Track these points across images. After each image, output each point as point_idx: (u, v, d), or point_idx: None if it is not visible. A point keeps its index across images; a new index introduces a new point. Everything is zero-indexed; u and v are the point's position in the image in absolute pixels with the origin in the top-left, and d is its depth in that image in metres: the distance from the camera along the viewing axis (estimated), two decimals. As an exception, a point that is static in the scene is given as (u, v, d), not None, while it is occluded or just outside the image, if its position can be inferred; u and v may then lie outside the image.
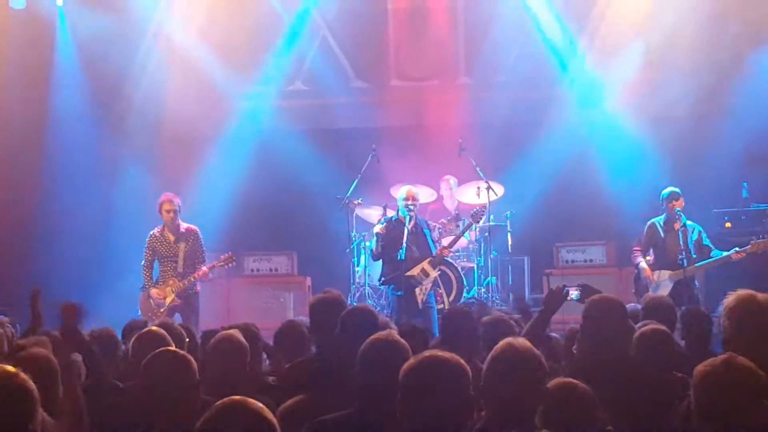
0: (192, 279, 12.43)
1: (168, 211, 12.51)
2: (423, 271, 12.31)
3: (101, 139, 15.23)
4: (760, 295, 5.29)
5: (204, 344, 7.06)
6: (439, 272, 12.47)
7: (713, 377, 4.19)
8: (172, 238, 12.60)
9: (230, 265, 12.82)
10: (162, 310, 12.36)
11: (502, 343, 4.60)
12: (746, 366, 4.20)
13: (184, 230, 12.64)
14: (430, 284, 12.36)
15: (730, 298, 5.33)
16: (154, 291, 12.50)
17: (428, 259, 12.34)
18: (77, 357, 5.95)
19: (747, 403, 4.11)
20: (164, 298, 12.43)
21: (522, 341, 4.63)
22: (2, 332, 7.40)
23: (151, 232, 12.68)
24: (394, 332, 5.16)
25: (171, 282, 12.49)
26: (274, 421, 3.52)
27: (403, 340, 4.95)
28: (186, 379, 5.00)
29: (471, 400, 4.26)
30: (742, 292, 5.35)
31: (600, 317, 5.88)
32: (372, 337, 4.96)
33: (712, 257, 12.07)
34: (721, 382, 4.17)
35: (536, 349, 4.62)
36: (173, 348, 5.40)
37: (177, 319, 11.33)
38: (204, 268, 12.49)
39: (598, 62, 15.49)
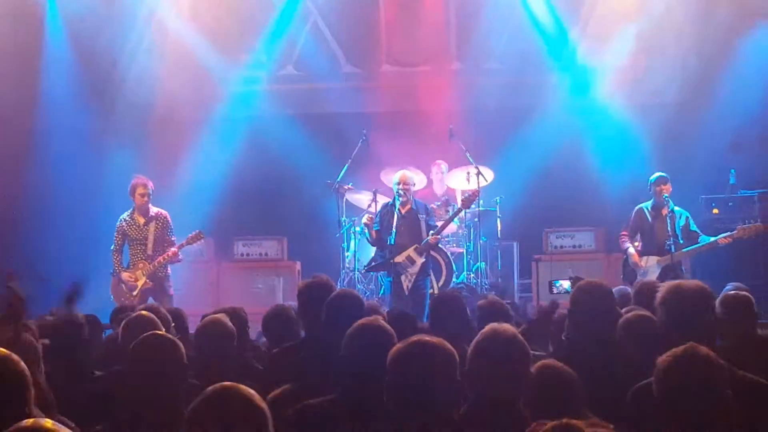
0: (161, 260, 12.44)
1: (142, 195, 12.51)
2: (409, 258, 12.29)
3: (91, 121, 15.19)
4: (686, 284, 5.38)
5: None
6: (424, 259, 12.42)
7: (674, 367, 4.20)
8: (141, 221, 12.59)
9: (199, 242, 12.77)
10: (135, 293, 12.37)
11: (486, 328, 4.63)
12: (707, 356, 4.20)
13: (153, 214, 12.63)
14: (417, 271, 12.31)
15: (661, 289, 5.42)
16: (125, 275, 12.48)
17: (414, 246, 12.34)
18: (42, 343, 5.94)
19: (708, 393, 4.13)
20: (135, 281, 12.44)
21: (506, 327, 4.66)
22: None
23: (121, 216, 12.69)
24: (379, 318, 5.18)
25: (141, 265, 12.49)
26: (265, 407, 3.52)
27: (388, 326, 4.97)
28: (173, 363, 5.01)
29: (458, 384, 4.30)
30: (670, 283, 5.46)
31: (587, 302, 5.91)
32: (358, 322, 4.99)
33: (699, 243, 12.11)
34: (682, 372, 4.18)
35: (521, 336, 4.66)
36: (161, 332, 5.41)
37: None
38: (173, 249, 12.48)
39: (589, 49, 15.50)
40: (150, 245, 12.53)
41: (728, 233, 12.03)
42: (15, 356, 3.99)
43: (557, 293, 11.53)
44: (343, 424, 4.64)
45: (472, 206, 13.34)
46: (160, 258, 12.44)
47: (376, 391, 4.38)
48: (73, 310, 6.55)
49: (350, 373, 4.83)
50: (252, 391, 3.56)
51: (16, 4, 14.94)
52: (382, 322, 5.03)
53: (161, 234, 12.60)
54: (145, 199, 12.53)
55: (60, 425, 3.09)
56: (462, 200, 13.02)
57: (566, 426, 3.44)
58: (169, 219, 12.71)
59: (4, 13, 14.79)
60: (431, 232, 12.34)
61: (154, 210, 12.66)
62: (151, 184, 12.59)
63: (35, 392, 4.60)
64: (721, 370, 4.19)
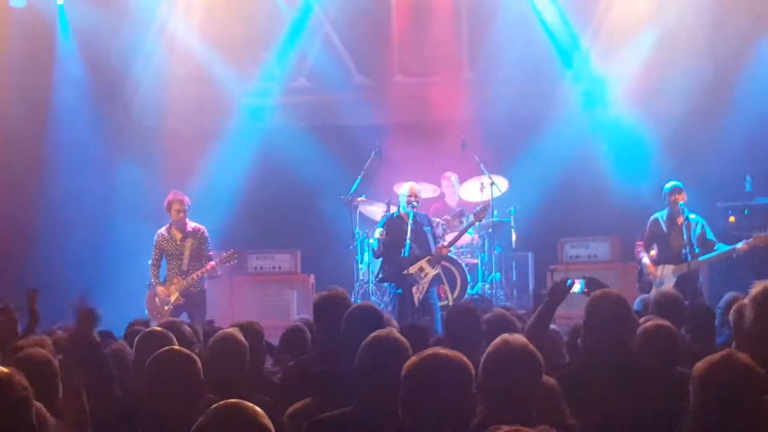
0: (195, 277, 12.43)
1: (178, 211, 12.54)
2: (421, 269, 12.25)
3: (102, 134, 15.25)
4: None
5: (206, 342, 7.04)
6: (437, 270, 12.38)
7: (712, 374, 4.19)
8: (179, 236, 12.62)
9: (232, 262, 12.81)
10: (167, 308, 12.37)
11: (498, 339, 4.59)
12: (745, 362, 4.19)
13: (191, 229, 12.66)
14: (428, 283, 12.27)
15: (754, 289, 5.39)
16: (160, 289, 12.53)
17: (427, 258, 12.29)
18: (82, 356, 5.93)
19: (746, 399, 4.10)
20: (169, 296, 12.44)
21: (518, 338, 4.62)
22: (14, 316, 7.39)
23: (159, 231, 12.72)
24: (394, 330, 5.14)
25: (175, 280, 12.52)
26: (270, 424, 3.49)
27: (403, 338, 4.93)
28: (190, 379, 4.98)
29: (473, 397, 4.25)
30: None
31: (603, 312, 5.86)
32: (372, 335, 4.95)
33: (716, 251, 12.04)
34: (720, 379, 4.16)
35: (533, 345, 4.61)
36: (177, 347, 5.37)
37: (184, 318, 11.35)
38: (211, 263, 12.50)
39: (602, 57, 15.45)
40: (186, 261, 12.55)
41: (745, 241, 11.95)
42: (17, 375, 3.98)
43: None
44: None
45: (483, 219, 13.31)
46: (195, 274, 12.44)
47: (391, 404, 4.32)
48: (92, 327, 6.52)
49: (364, 386, 4.78)
50: (257, 409, 3.52)
51: (28, 17, 14.96)
52: (397, 334, 4.98)
53: (198, 249, 12.62)
54: (182, 215, 12.56)
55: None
56: (474, 213, 12.92)
57: None
58: (207, 234, 12.75)
59: (15, 27, 14.83)
60: (444, 244, 12.30)
61: (191, 225, 12.69)
62: (187, 200, 12.62)
63: (70, 407, 4.61)
64: (759, 377, 4.16)
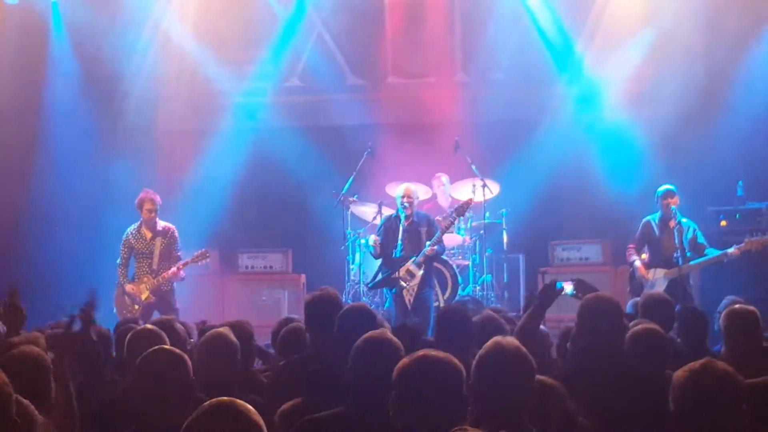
0: (165, 277, 12.41)
1: (149, 211, 12.50)
2: (408, 271, 12.21)
3: (95, 132, 15.21)
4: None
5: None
6: (423, 272, 12.30)
7: (691, 382, 4.19)
8: (149, 234, 12.59)
9: (204, 261, 12.72)
10: (137, 307, 12.35)
11: (489, 342, 4.59)
12: (725, 371, 4.19)
13: (161, 228, 12.62)
14: (417, 284, 12.22)
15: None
16: (129, 287, 12.50)
17: (412, 259, 12.27)
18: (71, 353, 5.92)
19: (725, 408, 4.11)
20: (139, 295, 12.42)
21: (510, 340, 4.63)
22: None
23: (128, 230, 12.68)
24: (387, 330, 5.14)
25: (145, 279, 12.49)
26: (261, 422, 3.50)
27: (396, 339, 4.94)
28: (180, 378, 4.96)
29: (464, 399, 4.26)
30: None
31: (595, 316, 5.88)
32: (365, 335, 4.96)
33: (706, 255, 12.05)
34: (699, 387, 4.16)
35: (524, 347, 4.61)
36: (167, 346, 5.36)
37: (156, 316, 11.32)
38: (173, 269, 12.44)
39: (596, 60, 15.45)
40: (156, 260, 12.51)
41: (737, 246, 11.97)
42: None
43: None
44: None
45: (472, 219, 13.32)
46: (164, 274, 12.40)
47: (384, 404, 4.34)
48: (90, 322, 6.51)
49: (358, 386, 4.79)
50: (249, 406, 3.53)
51: (22, 14, 14.92)
52: (390, 334, 4.99)
53: (168, 249, 12.58)
54: (153, 214, 12.52)
55: None
56: (455, 208, 12.79)
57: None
58: (176, 234, 12.70)
59: (9, 23, 14.80)
60: (428, 243, 12.25)
61: (161, 224, 12.64)
62: (158, 199, 12.56)
63: (61, 404, 4.60)
64: (739, 385, 4.16)
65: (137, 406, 4.97)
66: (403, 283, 12.16)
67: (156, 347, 5.23)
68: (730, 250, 11.92)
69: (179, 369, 4.98)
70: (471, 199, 12.99)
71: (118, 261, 12.65)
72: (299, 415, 5.09)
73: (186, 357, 5.09)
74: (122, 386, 6.31)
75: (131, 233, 12.62)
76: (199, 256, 12.54)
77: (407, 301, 12.12)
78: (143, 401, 4.92)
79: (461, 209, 12.64)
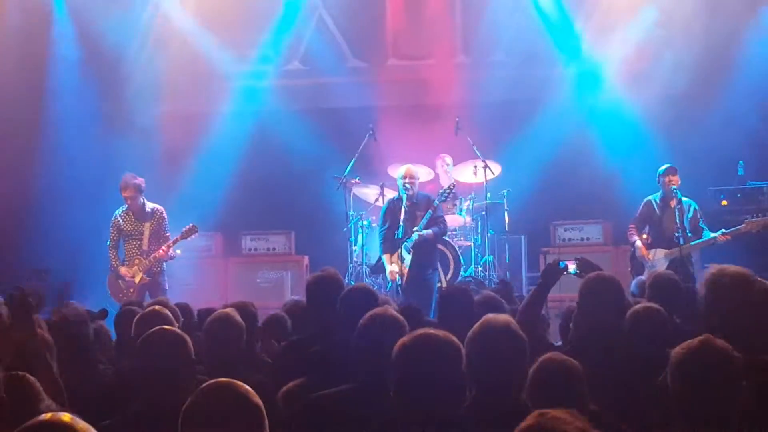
0: (156, 257, 12.42)
1: (131, 198, 12.46)
2: (399, 255, 12.20)
3: (98, 116, 15.22)
4: (730, 268, 5.38)
5: (201, 323, 7.06)
6: (412, 255, 12.26)
7: (689, 359, 4.21)
8: (137, 216, 12.57)
9: (193, 236, 12.59)
10: (131, 290, 12.37)
11: (480, 321, 4.62)
12: (722, 348, 4.21)
13: (149, 210, 12.61)
14: (409, 267, 12.18)
15: (706, 272, 5.44)
16: (123, 270, 12.48)
17: (404, 245, 12.19)
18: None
19: (723, 385, 4.14)
20: (133, 277, 12.45)
21: (501, 318, 4.65)
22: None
23: (116, 212, 12.66)
24: (389, 308, 5.17)
25: (137, 261, 12.48)
26: (260, 403, 3.53)
27: (400, 316, 4.98)
28: (182, 358, 5.00)
29: (463, 378, 4.29)
30: (715, 266, 5.46)
31: (597, 295, 5.90)
32: (369, 312, 4.99)
33: (702, 237, 12.08)
34: (697, 364, 4.18)
35: (525, 326, 4.65)
36: (169, 327, 5.39)
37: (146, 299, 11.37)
38: (162, 248, 12.44)
39: (596, 41, 15.43)
40: (145, 240, 12.50)
41: (732, 229, 11.99)
42: None
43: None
44: (356, 414, 4.65)
45: (473, 200, 13.39)
46: (155, 254, 12.42)
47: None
48: (66, 306, 6.55)
49: (363, 363, 4.83)
50: (248, 388, 3.56)
51: (25, 2, 14.93)
52: (393, 311, 5.03)
53: (157, 230, 12.58)
54: (136, 199, 12.48)
55: (77, 419, 3.12)
56: (438, 194, 12.73)
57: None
58: (165, 214, 12.68)
59: (12, 7, 14.81)
60: (415, 228, 12.20)
61: (149, 206, 12.63)
62: (137, 182, 12.48)
63: (49, 387, 4.62)
64: (737, 362, 4.19)
65: (139, 385, 5.03)
66: (393, 267, 12.15)
67: (157, 327, 5.26)
68: (718, 235, 11.94)
69: (180, 349, 5.03)
70: (454, 184, 12.93)
71: (108, 243, 12.63)
72: (302, 395, 5.13)
73: (186, 337, 5.13)
74: (118, 372, 6.35)
75: (120, 215, 12.60)
76: (188, 231, 12.45)
77: (397, 285, 12.09)
78: (144, 381, 4.98)
79: (445, 194, 12.57)
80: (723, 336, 4.34)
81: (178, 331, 5.27)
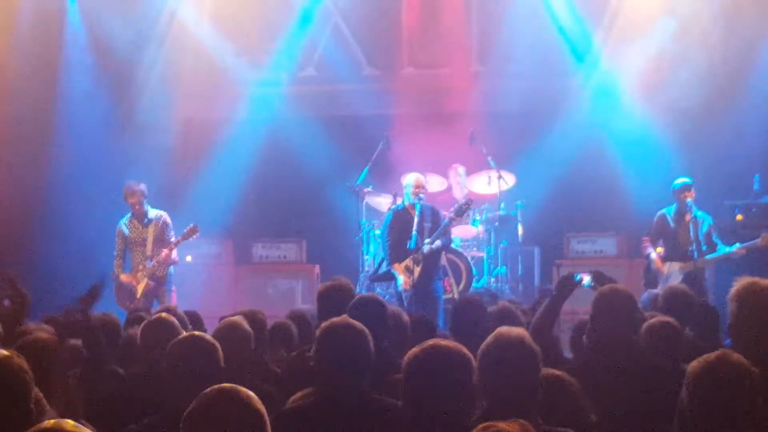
0: (158, 261, 12.43)
1: (135, 204, 12.59)
2: (407, 267, 12.07)
3: (111, 121, 15.21)
4: (763, 281, 5.31)
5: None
6: (421, 268, 12.11)
7: (706, 373, 4.17)
8: (141, 223, 12.64)
9: (194, 236, 12.62)
10: (138, 296, 12.40)
11: (493, 333, 4.56)
12: (740, 363, 4.18)
13: (153, 216, 12.68)
14: (415, 279, 12.03)
15: (736, 285, 5.36)
16: (123, 277, 12.58)
17: (411, 256, 12.05)
18: (74, 342, 5.92)
19: (740, 400, 4.09)
20: (137, 284, 12.44)
21: (515, 330, 4.59)
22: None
23: (120, 221, 12.79)
24: (346, 317, 5.12)
25: (141, 267, 12.53)
26: (263, 410, 3.50)
27: (359, 324, 4.96)
28: (212, 365, 5.03)
29: (473, 390, 4.24)
30: (746, 279, 5.38)
31: (611, 308, 5.85)
32: (328, 321, 4.98)
33: (717, 252, 12.01)
34: (714, 378, 4.14)
35: (540, 339, 4.60)
36: (200, 333, 5.36)
37: (155, 304, 11.38)
38: (165, 251, 12.47)
39: (613, 52, 15.38)
40: (149, 247, 12.57)
41: (749, 243, 11.92)
42: (17, 358, 3.96)
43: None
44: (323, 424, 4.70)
45: (487, 210, 13.33)
46: (158, 258, 12.43)
47: (351, 389, 4.60)
48: (89, 310, 6.51)
49: (323, 372, 4.88)
50: (251, 394, 3.53)
51: (37, 4, 14.93)
52: (351, 320, 4.98)
53: (161, 236, 12.63)
54: (137, 207, 12.59)
55: (80, 426, 3.07)
56: (454, 210, 12.48)
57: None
58: (168, 220, 12.74)
59: (24, 13, 14.80)
60: (426, 240, 12.11)
61: (153, 212, 12.69)
62: (140, 189, 12.58)
63: (60, 393, 4.60)
64: (755, 377, 4.13)
65: (166, 391, 5.02)
66: (402, 277, 12.04)
67: (190, 333, 5.30)
68: (735, 249, 11.88)
69: (211, 355, 5.05)
70: (471, 200, 12.83)
71: (114, 253, 12.76)
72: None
73: (217, 344, 5.12)
74: (127, 378, 6.31)
75: (124, 223, 12.73)
76: (189, 231, 12.50)
77: (404, 297, 11.99)
78: (172, 387, 4.97)
79: (460, 212, 12.46)
80: (755, 353, 4.29)
81: (210, 338, 5.23)
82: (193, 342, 5.10)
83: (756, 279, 5.44)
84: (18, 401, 3.87)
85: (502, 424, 3.03)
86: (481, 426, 3.05)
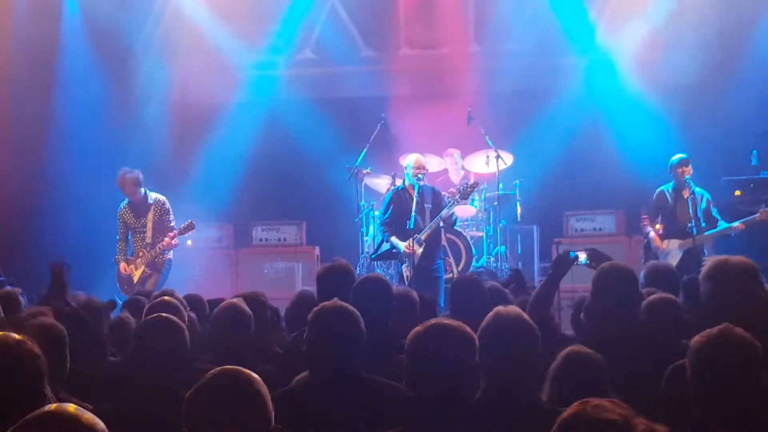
0: (161, 248, 12.46)
1: (132, 194, 12.64)
2: (408, 248, 12.07)
3: (108, 107, 15.19)
4: (733, 258, 5.36)
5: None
6: (423, 248, 12.12)
7: (709, 348, 4.18)
8: (139, 209, 12.66)
9: (190, 232, 12.69)
10: (135, 282, 12.43)
11: (490, 313, 4.58)
12: (742, 337, 4.19)
13: (151, 201, 12.67)
14: (417, 260, 12.02)
15: (706, 264, 5.42)
16: (122, 265, 12.64)
17: (415, 237, 11.97)
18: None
19: (743, 374, 4.10)
20: (134, 271, 12.49)
21: (512, 309, 4.62)
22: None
23: (120, 205, 12.80)
24: (337, 299, 5.13)
25: (141, 253, 12.59)
26: (265, 391, 3.50)
27: (350, 307, 4.99)
28: (176, 347, 5.10)
29: (475, 368, 4.26)
30: (716, 257, 5.45)
31: (612, 284, 5.87)
32: (319, 305, 5.02)
33: (717, 228, 12.02)
34: (718, 353, 4.15)
35: (537, 317, 4.62)
36: (165, 315, 5.39)
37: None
38: (165, 239, 12.48)
39: (608, 30, 15.36)
40: (149, 233, 12.59)
41: (747, 218, 11.94)
42: (30, 342, 3.98)
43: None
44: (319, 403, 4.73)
45: (485, 190, 13.32)
46: (159, 246, 12.45)
47: (343, 370, 4.68)
48: (62, 292, 6.57)
49: (314, 353, 4.92)
50: (253, 375, 3.55)
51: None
52: (342, 302, 5.00)
53: (160, 221, 12.63)
54: (136, 194, 12.61)
55: (82, 409, 3.09)
56: (459, 191, 12.52)
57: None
58: (167, 205, 12.74)
59: (22, 4, 14.78)
60: (430, 224, 12.07)
61: (151, 197, 12.71)
62: (133, 175, 12.58)
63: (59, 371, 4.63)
64: (756, 351, 4.15)
65: (136, 370, 5.09)
66: (405, 258, 12.03)
67: (153, 315, 5.36)
68: (735, 225, 11.91)
69: (175, 338, 5.12)
70: (476, 183, 12.84)
71: (117, 237, 12.79)
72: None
73: (183, 325, 5.19)
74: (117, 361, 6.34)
75: (123, 209, 12.75)
76: (185, 228, 12.53)
77: (405, 277, 11.99)
78: (140, 369, 5.07)
79: (466, 193, 12.46)
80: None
81: (174, 319, 5.28)
82: (156, 324, 5.19)
83: (726, 257, 5.50)
84: (32, 385, 3.89)
85: (595, 400, 3.05)
86: (577, 402, 3.06)
